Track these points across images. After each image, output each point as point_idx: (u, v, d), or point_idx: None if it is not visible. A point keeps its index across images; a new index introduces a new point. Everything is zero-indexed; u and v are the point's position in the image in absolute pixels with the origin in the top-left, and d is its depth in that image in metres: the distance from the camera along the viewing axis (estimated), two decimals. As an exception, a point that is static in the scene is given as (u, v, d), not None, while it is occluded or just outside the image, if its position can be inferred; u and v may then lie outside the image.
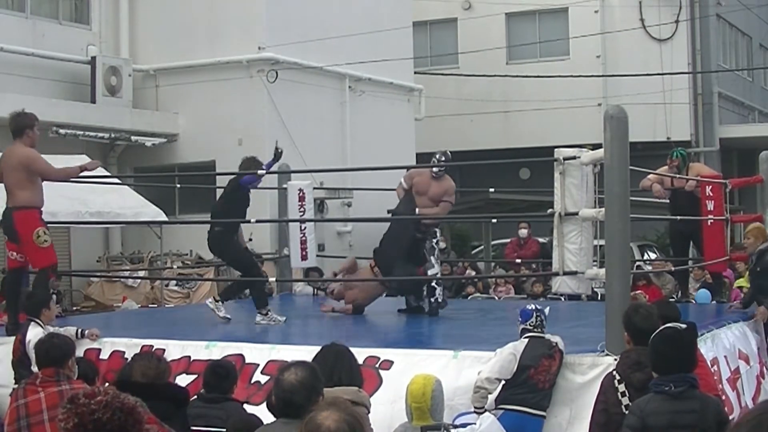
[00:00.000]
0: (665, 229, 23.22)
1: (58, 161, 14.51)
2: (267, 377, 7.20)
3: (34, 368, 7.66)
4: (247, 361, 7.53)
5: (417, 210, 10.06)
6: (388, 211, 18.53)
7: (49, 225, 8.90)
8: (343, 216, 18.50)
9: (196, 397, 6.12)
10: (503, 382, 6.64)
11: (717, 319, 8.83)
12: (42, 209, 8.78)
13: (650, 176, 10.86)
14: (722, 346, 8.01)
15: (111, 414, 2.80)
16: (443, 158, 10.10)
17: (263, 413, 6.29)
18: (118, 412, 2.82)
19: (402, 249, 10.08)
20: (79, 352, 7.45)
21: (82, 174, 9.51)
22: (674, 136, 24.86)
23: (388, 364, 7.15)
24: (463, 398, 6.73)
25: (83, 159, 15.27)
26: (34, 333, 7.87)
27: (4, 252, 9.15)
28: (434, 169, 10.06)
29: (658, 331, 4.96)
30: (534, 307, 6.97)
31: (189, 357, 7.76)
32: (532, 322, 6.88)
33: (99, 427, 2.79)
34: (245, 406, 6.27)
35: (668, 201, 11.25)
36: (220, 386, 6.10)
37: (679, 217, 10.47)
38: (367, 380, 5.97)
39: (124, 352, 8.01)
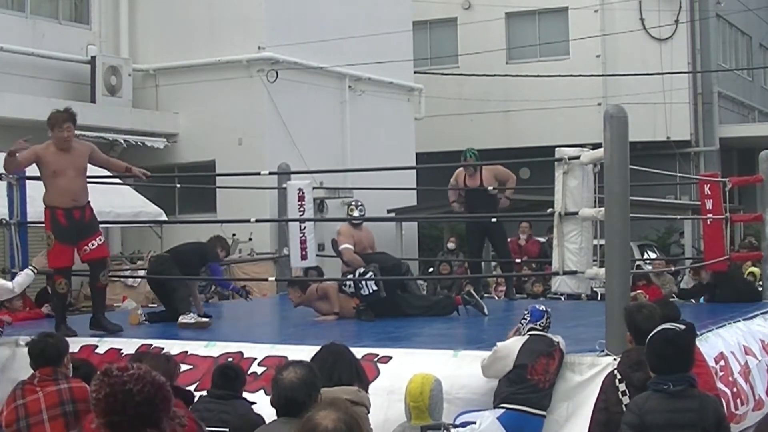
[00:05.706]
0: (665, 229, 23.32)
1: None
2: (264, 368, 7.21)
3: None
4: (245, 356, 7.54)
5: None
6: (388, 211, 18.57)
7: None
8: (343, 216, 18.45)
9: (205, 393, 6.15)
10: (502, 380, 6.64)
11: (718, 317, 8.82)
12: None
13: (451, 184, 11.89)
14: (727, 342, 8.00)
15: (142, 386, 2.89)
16: (361, 208, 10.63)
17: (259, 398, 6.32)
18: (149, 385, 2.90)
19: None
20: (74, 349, 7.38)
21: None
22: (674, 135, 24.88)
23: (386, 359, 7.15)
24: (461, 391, 6.72)
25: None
26: None
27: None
28: (355, 220, 10.57)
29: (655, 331, 4.90)
30: (545, 308, 7.00)
31: (186, 351, 7.76)
32: (542, 323, 6.90)
33: (129, 398, 2.87)
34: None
35: (465, 201, 12.17)
36: (230, 387, 6.10)
37: (677, 217, 10.45)
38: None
39: (120, 349, 8.00)
